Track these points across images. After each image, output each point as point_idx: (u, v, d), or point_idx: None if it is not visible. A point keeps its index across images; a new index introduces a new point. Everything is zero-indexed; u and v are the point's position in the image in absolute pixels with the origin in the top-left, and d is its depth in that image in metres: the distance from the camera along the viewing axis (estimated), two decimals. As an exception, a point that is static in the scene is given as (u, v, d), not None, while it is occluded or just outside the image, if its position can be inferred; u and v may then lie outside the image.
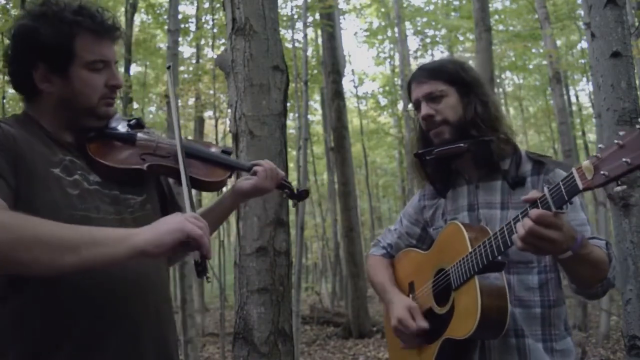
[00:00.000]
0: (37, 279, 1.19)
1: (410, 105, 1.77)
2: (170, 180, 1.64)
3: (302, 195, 1.69)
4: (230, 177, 1.58)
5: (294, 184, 1.72)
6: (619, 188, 1.15)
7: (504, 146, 1.61)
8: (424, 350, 1.65)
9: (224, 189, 1.78)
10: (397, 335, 1.72)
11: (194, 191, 1.54)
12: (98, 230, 1.13)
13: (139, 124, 1.50)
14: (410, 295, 1.76)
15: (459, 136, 1.62)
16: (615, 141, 1.15)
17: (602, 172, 1.15)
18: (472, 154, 1.62)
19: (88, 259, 1.07)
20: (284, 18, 9.88)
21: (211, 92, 8.88)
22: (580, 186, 1.20)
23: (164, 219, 1.17)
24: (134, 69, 12.33)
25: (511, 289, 1.53)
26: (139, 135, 1.47)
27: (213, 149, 1.63)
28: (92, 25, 1.31)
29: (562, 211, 1.27)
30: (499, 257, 1.45)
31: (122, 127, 1.45)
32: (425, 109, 1.65)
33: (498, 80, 13.91)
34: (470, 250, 1.51)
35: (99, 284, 1.24)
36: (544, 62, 11.73)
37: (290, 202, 1.78)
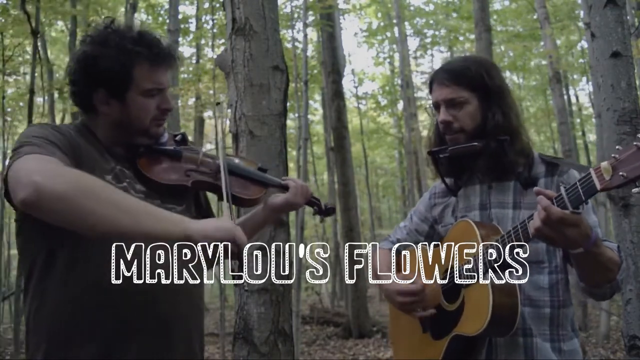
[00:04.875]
0: (71, 270, 1.29)
1: (429, 104, 1.73)
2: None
3: (329, 211, 1.79)
4: (265, 193, 1.66)
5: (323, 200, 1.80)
6: (635, 190, 1.15)
7: (517, 157, 1.59)
8: (432, 347, 1.65)
9: None
10: (406, 310, 1.70)
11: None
12: (155, 207, 1.21)
13: (184, 139, 1.59)
14: None
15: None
16: (635, 143, 1.15)
17: (620, 173, 1.15)
18: (486, 155, 1.61)
19: (142, 227, 1.14)
20: (284, 18, 9.88)
21: (211, 92, 8.88)
22: (598, 187, 1.20)
23: (219, 218, 1.26)
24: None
25: (521, 288, 1.52)
26: (185, 152, 1.56)
27: (251, 166, 1.71)
28: (150, 55, 1.39)
29: (579, 211, 1.27)
30: None
31: (169, 142, 1.55)
32: (444, 115, 1.62)
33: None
34: (481, 247, 1.50)
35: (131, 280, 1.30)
36: (544, 62, 11.73)
37: (318, 217, 1.84)
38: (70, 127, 1.43)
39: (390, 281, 1.74)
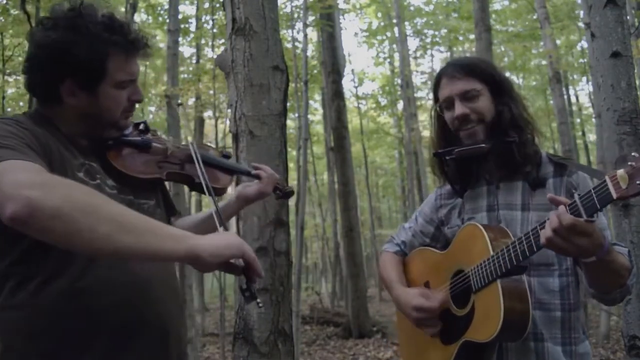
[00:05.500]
0: (68, 275, 1.19)
1: (432, 103, 1.71)
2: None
3: (289, 194, 1.79)
4: (231, 181, 1.64)
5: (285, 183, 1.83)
6: None
7: (528, 149, 1.57)
8: (442, 352, 1.63)
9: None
10: (419, 326, 1.68)
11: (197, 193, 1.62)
12: (158, 223, 1.11)
13: (147, 128, 1.54)
14: None
15: (491, 137, 1.58)
16: None
17: (638, 182, 1.13)
18: (494, 155, 1.58)
19: (144, 246, 1.04)
20: (284, 18, 9.88)
21: (211, 92, 8.88)
22: (614, 195, 1.18)
23: (224, 233, 1.18)
24: (134, 69, 12.30)
25: (532, 291, 1.50)
26: (153, 143, 1.51)
27: (212, 152, 1.68)
28: (127, 45, 1.30)
29: (593, 219, 1.25)
30: (523, 261, 1.44)
31: (134, 133, 1.49)
32: (460, 108, 1.58)
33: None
34: (491, 252, 1.48)
35: (132, 282, 1.26)
36: (544, 62, 11.73)
37: (280, 200, 1.85)
38: (27, 119, 1.28)
39: (405, 294, 1.72)
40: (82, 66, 1.25)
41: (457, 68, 1.62)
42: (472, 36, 11.77)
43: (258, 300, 1.20)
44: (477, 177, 1.70)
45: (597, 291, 1.48)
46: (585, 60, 10.90)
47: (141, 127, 1.52)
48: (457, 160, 1.63)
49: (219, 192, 1.62)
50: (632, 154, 1.18)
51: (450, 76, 1.62)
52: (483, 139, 1.58)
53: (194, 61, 11.54)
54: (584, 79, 13.63)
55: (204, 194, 1.51)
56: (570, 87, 14.34)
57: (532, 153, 1.58)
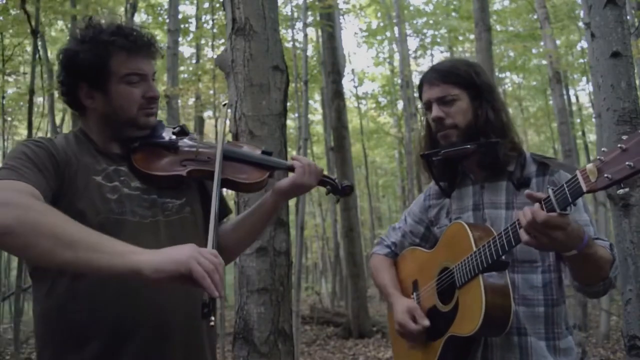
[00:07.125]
0: (69, 275, 1.29)
1: (420, 105, 1.77)
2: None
3: (346, 190, 1.65)
4: (270, 176, 1.58)
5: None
6: (621, 191, 1.18)
7: (509, 152, 1.62)
8: (428, 348, 1.67)
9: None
10: (401, 337, 1.74)
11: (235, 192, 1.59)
12: (106, 238, 1.13)
13: (183, 131, 1.56)
14: (414, 294, 1.78)
15: (467, 140, 1.63)
16: (619, 145, 1.17)
17: (605, 175, 1.17)
18: (478, 155, 1.64)
19: (82, 260, 1.09)
20: (284, 18, 9.88)
21: (211, 92, 8.89)
22: (584, 188, 1.22)
23: (178, 247, 1.15)
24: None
25: (516, 287, 1.56)
26: (182, 142, 1.53)
27: (254, 151, 1.64)
28: (126, 44, 1.41)
29: (566, 212, 1.29)
30: (504, 257, 1.47)
31: (166, 135, 1.52)
32: (436, 111, 1.65)
33: (498, 80, 13.87)
34: (474, 249, 1.52)
35: (127, 282, 1.23)
36: (544, 62, 11.72)
37: (334, 197, 1.71)
38: (64, 137, 1.45)
39: (398, 304, 1.76)
40: (88, 68, 1.39)
41: (436, 74, 1.69)
42: (472, 36, 11.77)
43: (212, 318, 1.17)
44: (463, 177, 1.75)
45: (580, 284, 1.52)
46: (585, 60, 10.90)
47: (176, 129, 1.56)
48: (443, 160, 1.69)
49: (246, 187, 1.58)
50: (602, 149, 1.22)
51: (430, 82, 1.69)
52: (456, 141, 1.64)
53: (194, 61, 11.55)
54: (584, 79, 13.64)
55: (235, 190, 1.50)
56: (570, 87, 14.33)
57: (514, 156, 1.64)
